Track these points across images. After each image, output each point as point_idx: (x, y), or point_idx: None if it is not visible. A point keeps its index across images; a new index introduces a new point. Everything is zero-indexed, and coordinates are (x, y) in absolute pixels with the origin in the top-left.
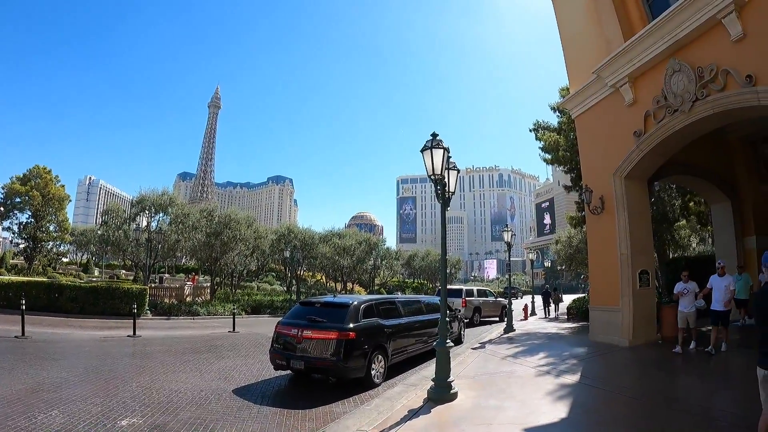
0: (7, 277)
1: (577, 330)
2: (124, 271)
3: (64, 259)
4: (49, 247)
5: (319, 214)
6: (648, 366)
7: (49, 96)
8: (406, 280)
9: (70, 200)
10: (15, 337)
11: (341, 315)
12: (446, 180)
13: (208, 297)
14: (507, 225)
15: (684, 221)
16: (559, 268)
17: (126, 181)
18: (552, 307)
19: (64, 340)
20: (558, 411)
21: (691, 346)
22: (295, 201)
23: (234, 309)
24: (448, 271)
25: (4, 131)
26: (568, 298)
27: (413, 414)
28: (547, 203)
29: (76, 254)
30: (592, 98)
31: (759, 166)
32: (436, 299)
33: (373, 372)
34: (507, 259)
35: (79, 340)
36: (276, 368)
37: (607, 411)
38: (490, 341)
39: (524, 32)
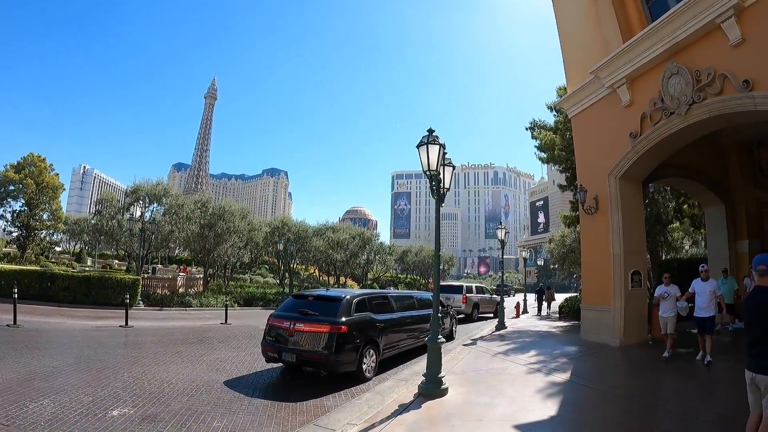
0: None
1: (569, 329)
2: (117, 261)
3: (57, 248)
4: (42, 235)
5: (313, 208)
6: (638, 366)
7: (43, 83)
8: (399, 275)
9: (64, 189)
10: (6, 325)
11: (333, 309)
12: (441, 176)
13: (201, 288)
14: (501, 222)
15: (678, 223)
16: (552, 266)
17: (121, 171)
18: (545, 304)
19: (56, 329)
20: (548, 409)
21: (665, 354)
22: (290, 194)
23: (227, 301)
24: (441, 267)
25: None
26: (560, 297)
27: (404, 408)
28: (542, 202)
29: (69, 243)
30: (590, 98)
31: (753, 170)
32: (428, 295)
33: (364, 366)
34: (500, 256)
35: (71, 329)
36: (268, 360)
37: (596, 409)
38: (481, 338)
39: (522, 30)
